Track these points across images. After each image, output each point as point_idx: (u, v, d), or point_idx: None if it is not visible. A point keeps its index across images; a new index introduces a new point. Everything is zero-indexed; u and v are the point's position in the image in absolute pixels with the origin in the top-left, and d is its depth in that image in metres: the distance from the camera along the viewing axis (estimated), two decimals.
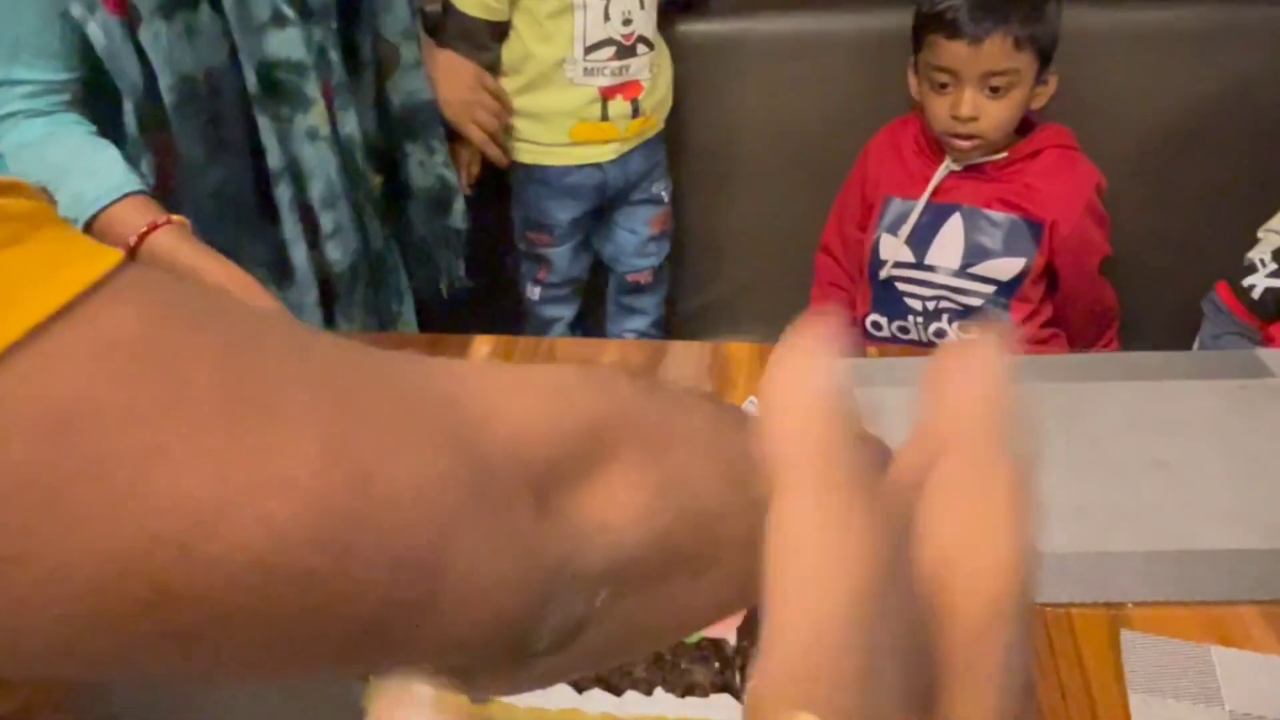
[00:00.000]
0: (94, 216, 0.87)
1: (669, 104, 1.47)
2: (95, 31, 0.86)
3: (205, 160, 0.95)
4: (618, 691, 0.59)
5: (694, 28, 1.49)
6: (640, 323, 1.60)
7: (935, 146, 1.30)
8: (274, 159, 0.98)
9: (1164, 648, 0.63)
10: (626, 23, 1.33)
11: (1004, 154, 1.27)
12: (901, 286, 1.33)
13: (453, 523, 0.23)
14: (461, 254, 1.25)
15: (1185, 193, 1.48)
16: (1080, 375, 0.90)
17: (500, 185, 1.45)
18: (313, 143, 0.99)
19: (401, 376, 0.25)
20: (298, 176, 1.00)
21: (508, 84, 1.38)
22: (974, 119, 1.22)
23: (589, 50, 1.33)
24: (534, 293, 1.54)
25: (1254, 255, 1.28)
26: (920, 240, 1.31)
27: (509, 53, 1.37)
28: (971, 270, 1.29)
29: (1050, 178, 1.27)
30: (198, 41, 0.91)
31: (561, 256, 1.50)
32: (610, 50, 1.34)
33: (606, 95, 1.36)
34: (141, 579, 0.19)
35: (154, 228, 0.86)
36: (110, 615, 0.19)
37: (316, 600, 0.21)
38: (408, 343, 1.08)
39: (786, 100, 1.52)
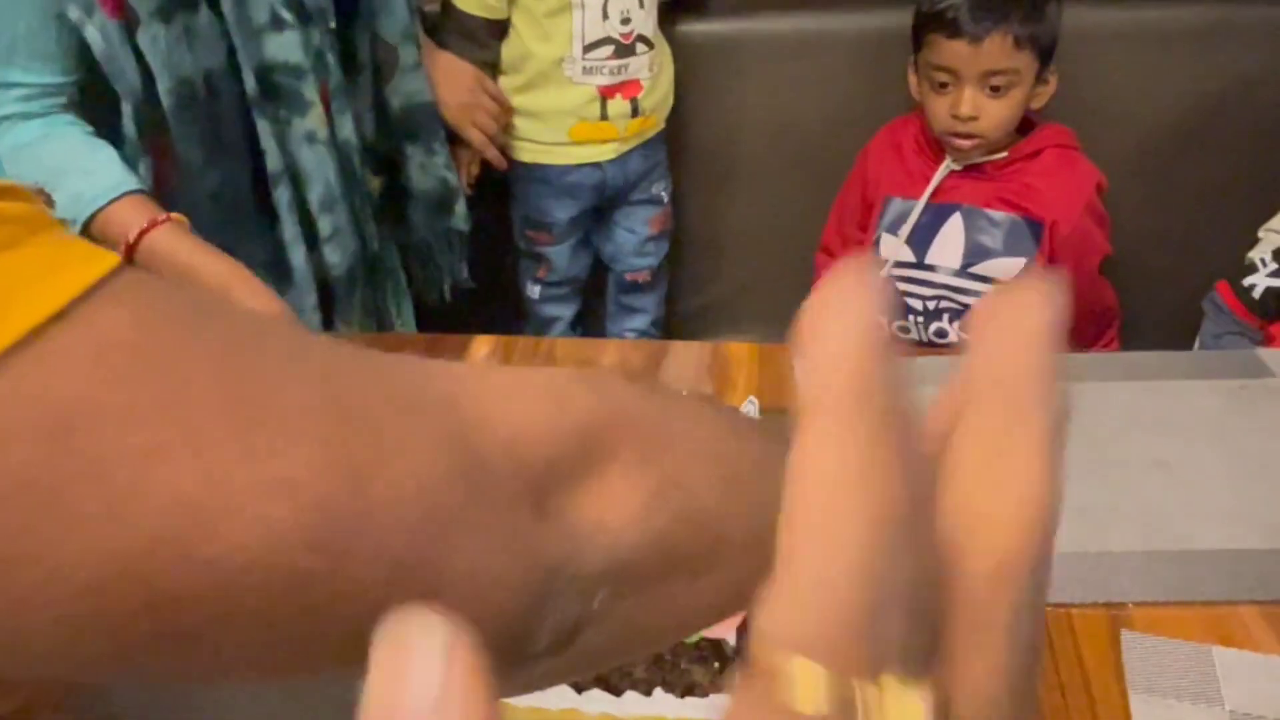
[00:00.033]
0: (92, 216, 0.87)
1: (670, 103, 1.46)
2: (93, 34, 0.86)
3: (204, 163, 0.94)
4: (617, 692, 0.59)
5: (694, 27, 1.49)
6: (640, 322, 1.60)
7: (935, 146, 1.30)
8: (273, 161, 0.98)
9: (1164, 648, 0.63)
10: (625, 21, 1.33)
11: (1004, 153, 1.27)
12: (902, 286, 1.33)
13: (452, 523, 0.23)
14: (464, 255, 1.25)
15: (1185, 192, 1.48)
16: (1080, 375, 0.90)
17: (500, 184, 1.45)
18: (311, 146, 0.99)
19: (400, 378, 0.25)
20: (296, 179, 1.00)
21: (507, 82, 1.38)
22: (974, 118, 1.22)
23: (587, 49, 1.33)
24: (534, 291, 1.54)
25: (1254, 255, 1.28)
26: (920, 240, 1.31)
27: (508, 51, 1.37)
28: (972, 270, 1.29)
29: (1050, 177, 1.27)
30: (196, 44, 0.91)
31: (561, 255, 1.50)
32: (609, 49, 1.34)
33: (605, 94, 1.36)
34: (141, 580, 0.19)
35: (153, 225, 0.86)
36: (110, 615, 0.19)
37: (316, 600, 0.21)
38: (406, 343, 1.08)
39: (787, 100, 1.52)
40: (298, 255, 1.01)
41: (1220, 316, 1.29)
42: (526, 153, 1.41)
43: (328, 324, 1.06)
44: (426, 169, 1.16)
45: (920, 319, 1.33)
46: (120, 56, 0.87)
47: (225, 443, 0.20)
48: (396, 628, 0.14)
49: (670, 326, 1.64)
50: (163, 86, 0.89)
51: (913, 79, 1.30)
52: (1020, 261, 1.27)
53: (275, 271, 1.02)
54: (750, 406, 0.81)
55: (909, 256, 1.32)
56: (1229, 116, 1.44)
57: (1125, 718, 0.59)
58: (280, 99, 0.97)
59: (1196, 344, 1.31)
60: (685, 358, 0.94)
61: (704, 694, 0.59)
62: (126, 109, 0.90)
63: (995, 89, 1.21)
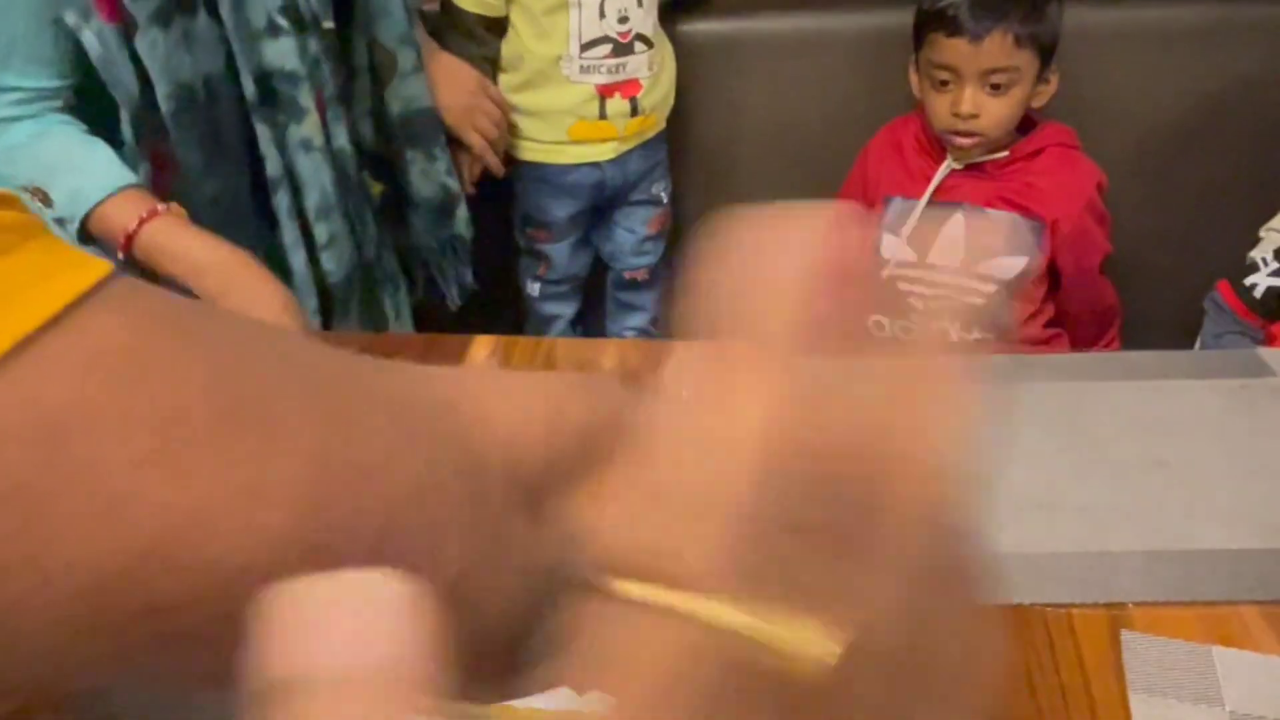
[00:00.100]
0: (90, 211, 0.87)
1: (671, 103, 1.46)
2: (90, 39, 0.85)
3: (203, 168, 0.94)
4: None
5: (695, 26, 1.49)
6: (640, 320, 1.60)
7: (936, 145, 1.30)
8: (272, 166, 0.98)
9: (1164, 648, 0.63)
10: (623, 20, 1.33)
11: (1005, 152, 1.27)
12: (903, 286, 1.33)
13: (448, 526, 0.23)
14: (468, 261, 1.24)
15: (1186, 191, 1.48)
16: (1080, 375, 0.90)
17: (500, 183, 1.45)
18: (307, 153, 0.99)
19: (395, 382, 0.25)
20: (295, 185, 1.00)
21: (506, 81, 1.38)
22: (974, 116, 1.22)
23: (585, 48, 1.33)
24: (534, 289, 1.54)
25: (1255, 254, 1.28)
26: (922, 239, 1.31)
27: (507, 49, 1.37)
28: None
29: (1051, 176, 1.27)
30: (195, 49, 0.90)
31: (560, 253, 1.50)
32: (606, 48, 1.34)
33: (604, 93, 1.36)
34: (135, 584, 0.19)
35: (152, 215, 0.86)
36: (105, 619, 0.19)
37: None
38: (405, 343, 1.08)
39: (787, 99, 1.52)
40: (298, 260, 1.01)
41: (1221, 316, 1.29)
42: (526, 151, 1.41)
43: (326, 327, 1.06)
44: (428, 175, 1.16)
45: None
46: (117, 61, 0.87)
47: (219, 449, 0.20)
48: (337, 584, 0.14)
49: (671, 326, 1.64)
50: (161, 92, 0.89)
51: (914, 77, 1.30)
52: (1022, 260, 1.27)
53: (276, 275, 1.01)
54: None
55: (910, 256, 1.31)
56: (1230, 116, 1.44)
57: (1125, 718, 0.59)
58: (278, 105, 0.96)
59: (1197, 343, 1.31)
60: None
61: None
62: (124, 114, 0.90)
63: (996, 87, 1.21)
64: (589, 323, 1.63)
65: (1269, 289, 1.24)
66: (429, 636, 0.14)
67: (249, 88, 0.94)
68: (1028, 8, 1.19)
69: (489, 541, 0.24)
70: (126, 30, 0.87)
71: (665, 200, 1.52)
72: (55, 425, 0.18)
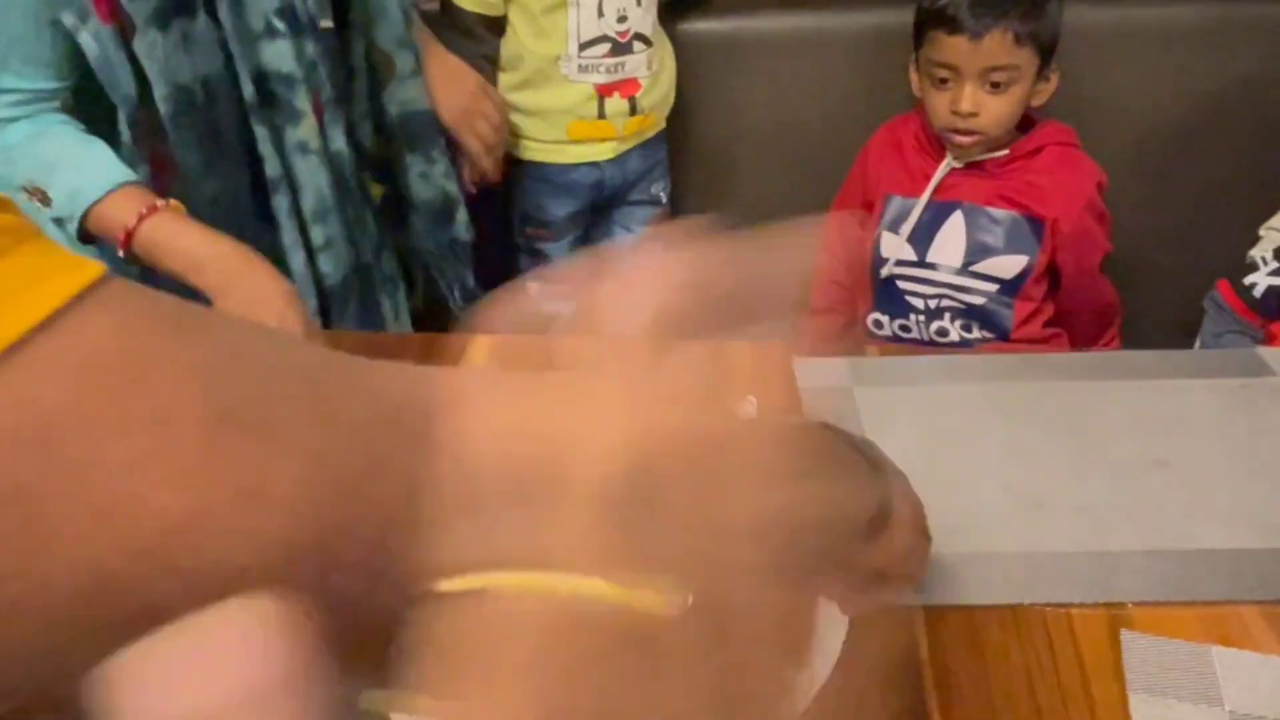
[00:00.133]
0: (89, 209, 0.86)
1: (671, 102, 1.46)
2: (88, 41, 0.85)
3: (202, 169, 0.94)
4: None
5: (694, 25, 1.48)
6: None
7: (936, 144, 1.30)
8: (271, 168, 0.97)
9: (1164, 647, 0.63)
10: (621, 19, 1.33)
11: (1005, 151, 1.27)
12: (903, 285, 1.33)
13: (434, 534, 0.23)
14: (469, 264, 1.23)
15: (1186, 190, 1.48)
16: (1080, 374, 0.90)
17: (500, 183, 1.45)
18: (304, 156, 0.98)
19: (384, 387, 0.25)
20: (293, 186, 0.99)
21: (505, 80, 1.38)
22: (974, 114, 1.21)
23: (583, 47, 1.33)
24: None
25: (1255, 253, 1.27)
26: (922, 238, 1.30)
27: (506, 48, 1.37)
28: (974, 268, 1.29)
29: (1052, 175, 1.26)
30: (194, 50, 0.90)
31: (559, 252, 1.49)
32: (605, 47, 1.33)
33: (603, 93, 1.36)
34: (126, 590, 0.19)
35: (151, 211, 0.86)
36: (102, 622, 0.19)
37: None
38: (405, 343, 1.08)
39: (787, 98, 1.52)
40: (297, 260, 1.00)
41: (1221, 315, 1.28)
42: (526, 151, 1.41)
43: (326, 326, 1.06)
44: (426, 178, 1.15)
45: (922, 318, 1.33)
46: (115, 63, 0.87)
47: (210, 455, 0.20)
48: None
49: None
50: (160, 93, 0.89)
51: (914, 76, 1.30)
52: (1023, 259, 1.27)
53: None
54: (749, 406, 0.80)
55: (910, 255, 1.31)
56: (1230, 114, 1.44)
57: (1125, 718, 0.59)
58: (276, 107, 0.96)
59: (1198, 343, 1.31)
60: (685, 356, 0.94)
61: None
62: (122, 115, 0.89)
63: (995, 85, 1.21)
64: None
65: (1269, 288, 1.24)
66: (286, 656, 0.15)
67: (248, 89, 0.94)
68: (1028, 6, 1.19)
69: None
70: (124, 31, 0.86)
71: (664, 200, 1.52)
72: (51, 427, 0.18)
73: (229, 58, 0.92)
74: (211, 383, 0.20)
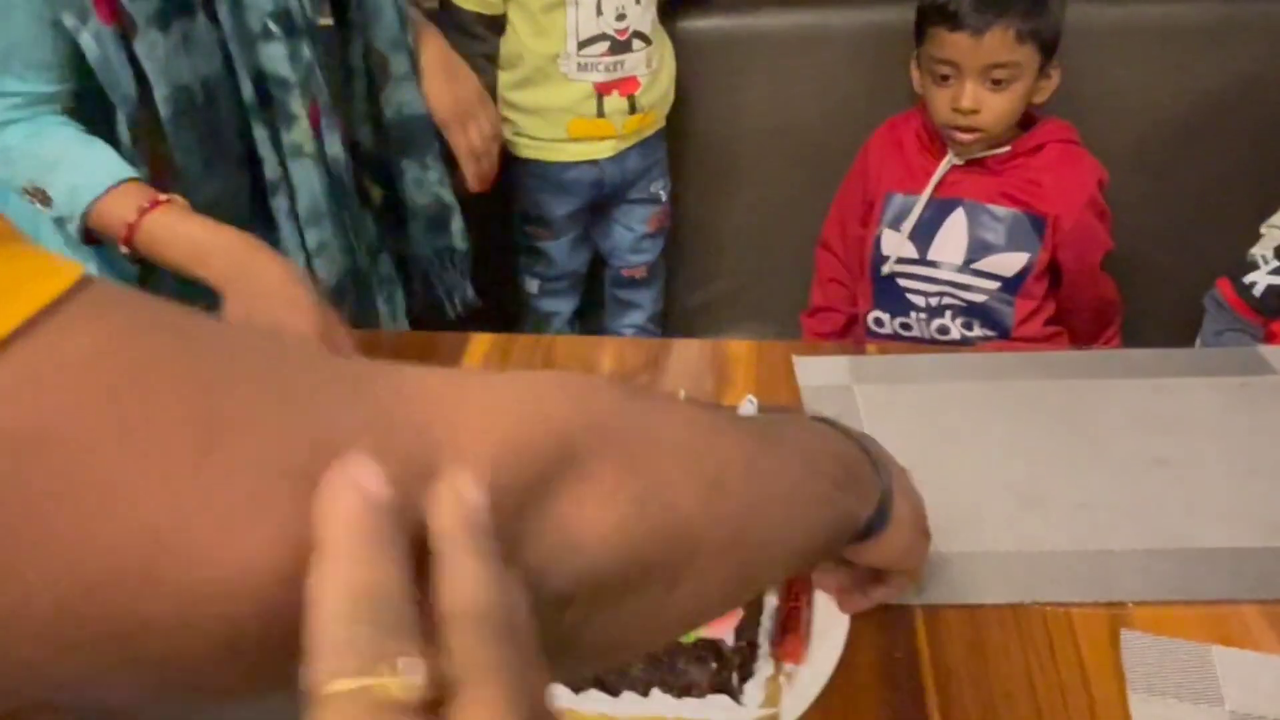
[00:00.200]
0: (89, 207, 0.86)
1: (670, 100, 1.46)
2: (88, 42, 0.84)
3: (202, 171, 0.93)
4: (614, 692, 0.58)
5: (695, 23, 1.48)
6: (638, 317, 1.60)
7: (937, 141, 1.29)
8: (270, 169, 0.97)
9: (1164, 647, 0.63)
10: (620, 18, 1.32)
11: (1006, 148, 1.26)
12: (904, 283, 1.33)
13: (419, 558, 0.23)
14: (467, 274, 1.22)
15: (1187, 188, 1.48)
16: (1081, 372, 0.89)
17: (498, 181, 1.45)
18: (298, 159, 0.98)
19: (375, 399, 0.24)
20: (291, 188, 0.99)
21: (505, 78, 1.38)
22: (975, 111, 1.21)
23: (582, 45, 1.33)
24: (532, 286, 1.54)
25: (1256, 251, 1.27)
26: (923, 235, 1.30)
27: (505, 47, 1.36)
28: (975, 266, 1.29)
29: (1053, 172, 1.26)
30: (194, 51, 0.89)
31: (559, 250, 1.49)
32: (604, 45, 1.33)
33: (602, 91, 1.36)
34: (109, 605, 0.18)
35: (153, 205, 0.85)
36: (80, 638, 0.19)
37: (286, 630, 0.20)
38: (405, 341, 1.08)
39: (788, 96, 1.51)
40: (298, 262, 1.00)
41: (1221, 313, 1.28)
42: (525, 149, 1.41)
43: None
44: (421, 184, 1.14)
45: (923, 315, 1.33)
46: (115, 64, 0.86)
47: (191, 470, 0.19)
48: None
49: (670, 323, 1.64)
50: (160, 94, 0.88)
51: (915, 72, 1.29)
52: (1023, 256, 1.27)
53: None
54: (749, 405, 0.80)
55: (911, 252, 1.31)
56: (1231, 113, 1.43)
57: (1125, 717, 0.59)
58: (273, 109, 0.96)
59: (1198, 341, 1.31)
60: (685, 355, 0.94)
61: (701, 694, 0.59)
62: (121, 117, 0.89)
63: (997, 82, 1.20)
64: (587, 320, 1.63)
65: (1269, 287, 1.24)
66: None
67: (247, 90, 0.93)
68: (1029, 3, 1.19)
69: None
70: (125, 32, 0.86)
71: (664, 198, 1.52)
72: (27, 441, 0.18)
73: (228, 59, 0.92)
74: (193, 395, 0.20)
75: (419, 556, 0.22)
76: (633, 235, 1.52)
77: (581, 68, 1.34)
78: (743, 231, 1.62)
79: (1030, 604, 0.66)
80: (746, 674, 0.60)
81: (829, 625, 0.61)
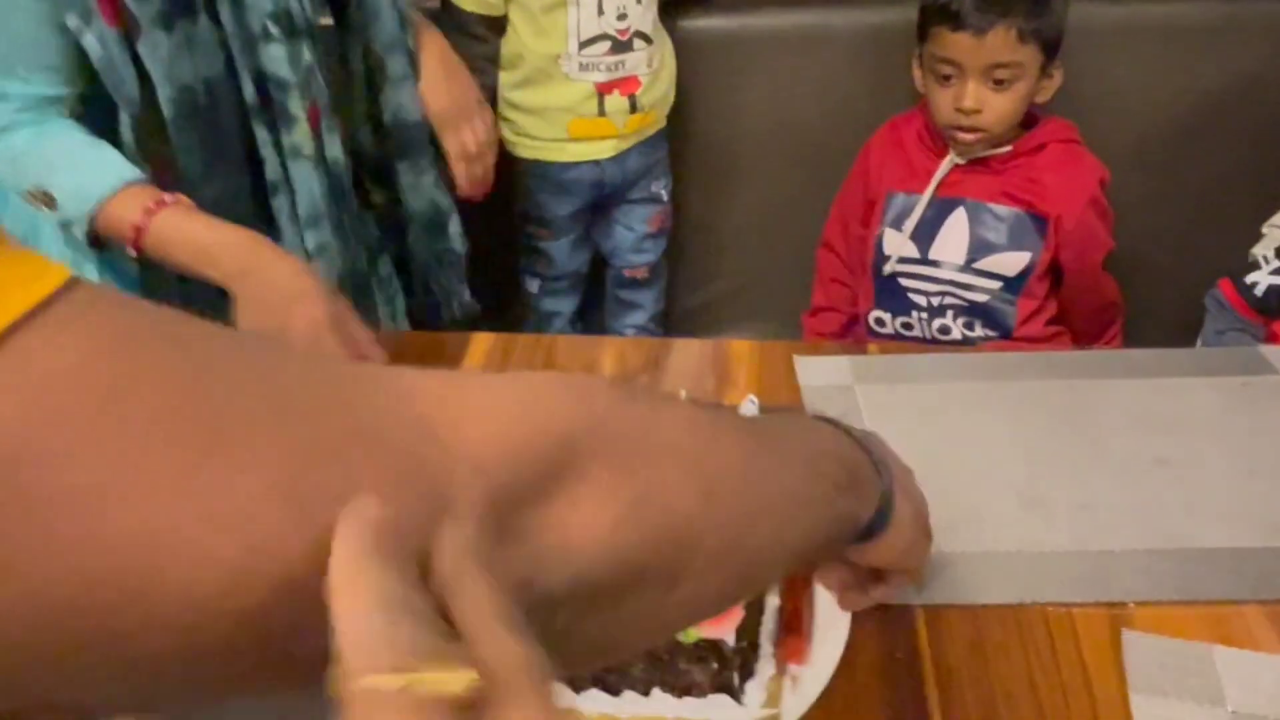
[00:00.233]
0: (96, 209, 0.86)
1: (671, 100, 1.46)
2: (91, 43, 0.84)
3: (204, 172, 0.93)
4: (615, 691, 0.58)
5: (696, 23, 1.48)
6: (639, 317, 1.60)
7: (939, 141, 1.29)
8: (271, 170, 0.97)
9: (1166, 647, 0.63)
10: (621, 17, 1.32)
11: (1008, 147, 1.26)
12: (905, 282, 1.33)
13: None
14: (464, 277, 1.21)
15: (1188, 188, 1.48)
16: (1082, 372, 0.89)
17: (499, 181, 1.45)
18: (297, 160, 0.98)
19: (361, 402, 0.24)
20: (291, 189, 0.99)
21: (506, 79, 1.38)
22: (977, 111, 1.21)
23: (583, 45, 1.33)
24: (533, 286, 1.54)
25: (1257, 251, 1.27)
26: (924, 235, 1.30)
27: (506, 48, 1.36)
28: (977, 265, 1.29)
29: (1055, 172, 1.26)
30: (196, 52, 0.89)
31: (560, 250, 1.49)
32: (605, 45, 1.33)
33: (602, 90, 1.36)
34: (91, 617, 0.18)
35: (159, 206, 0.85)
36: (56, 650, 0.18)
37: (271, 634, 0.20)
38: (406, 340, 1.08)
39: (789, 95, 1.51)
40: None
41: (1222, 313, 1.28)
42: (526, 149, 1.41)
43: None
44: (417, 189, 1.13)
45: (924, 315, 1.33)
46: (119, 65, 0.86)
47: (172, 479, 0.19)
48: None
49: (672, 323, 1.64)
50: (164, 95, 0.88)
51: (917, 72, 1.29)
52: (1025, 256, 1.27)
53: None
54: (750, 405, 0.80)
55: (913, 252, 1.31)
56: (1232, 113, 1.43)
57: (1126, 718, 0.59)
58: (274, 110, 0.96)
59: (1199, 341, 1.31)
60: (686, 355, 0.94)
61: (702, 694, 0.59)
62: (124, 118, 0.89)
63: (999, 82, 1.20)
64: (589, 320, 1.63)
65: (1270, 287, 1.23)
66: None
67: (249, 91, 0.93)
68: (1031, 3, 1.18)
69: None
70: (128, 33, 0.86)
71: (665, 198, 1.52)
72: (4, 452, 0.17)
73: (229, 59, 0.92)
74: (173, 402, 0.20)
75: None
76: (634, 235, 1.52)
77: (583, 68, 1.34)
78: (744, 231, 1.61)
79: (1031, 604, 0.66)
80: (747, 674, 0.60)
81: (830, 625, 0.61)
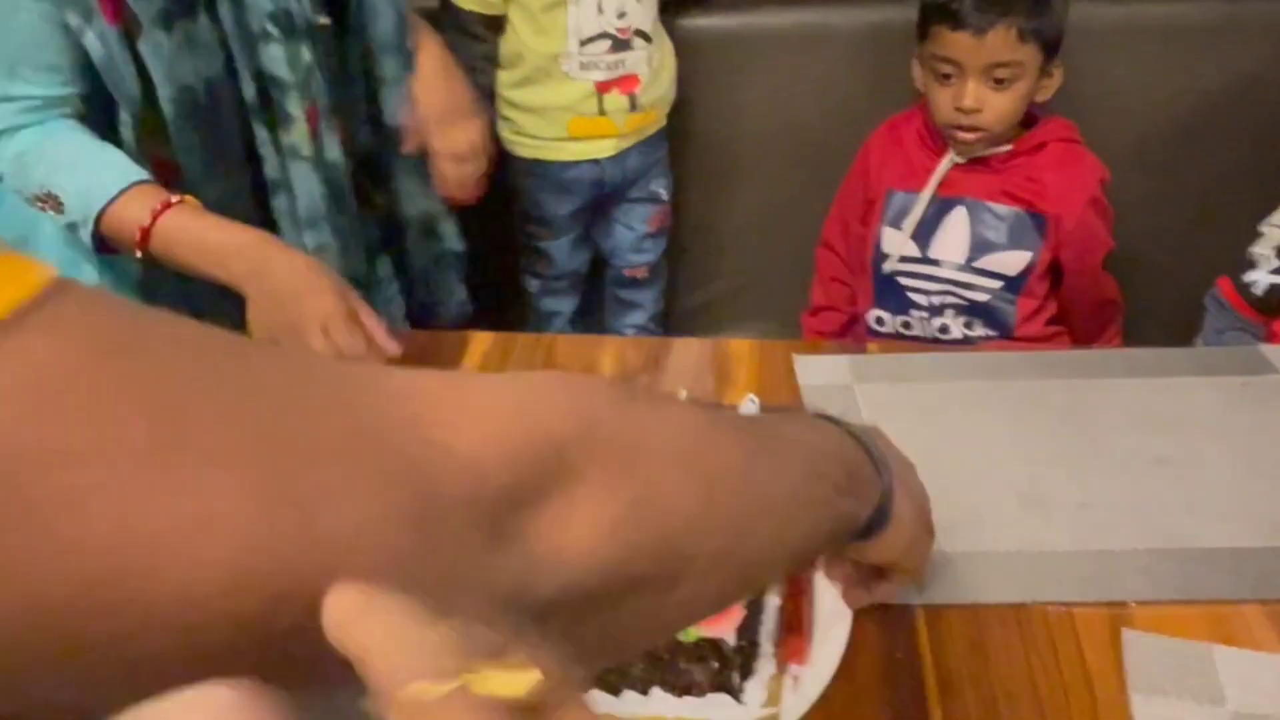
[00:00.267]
0: (102, 211, 0.86)
1: (671, 99, 1.46)
2: (93, 42, 0.84)
3: (205, 172, 0.93)
4: (615, 691, 0.58)
5: (695, 22, 1.48)
6: (639, 317, 1.60)
7: (938, 139, 1.29)
8: (271, 169, 0.97)
9: (1166, 647, 0.63)
10: (621, 16, 1.32)
11: (1008, 146, 1.26)
12: (905, 281, 1.32)
13: (396, 563, 0.22)
14: (460, 277, 1.20)
15: (1188, 187, 1.48)
16: (1082, 371, 0.89)
17: (499, 180, 1.45)
18: (296, 161, 0.98)
19: (357, 402, 0.24)
20: (291, 189, 0.99)
21: (505, 78, 1.38)
22: (977, 110, 1.21)
23: (584, 44, 1.33)
24: (533, 285, 1.54)
25: (1256, 250, 1.27)
26: (924, 234, 1.30)
27: (505, 47, 1.36)
28: (977, 264, 1.28)
29: (1054, 171, 1.26)
30: (197, 52, 0.89)
31: (560, 250, 1.49)
32: (605, 44, 1.33)
33: (602, 89, 1.35)
34: (73, 621, 0.18)
35: (166, 207, 0.85)
36: (46, 655, 0.18)
37: (257, 640, 0.20)
38: (405, 339, 1.08)
39: (788, 94, 1.51)
40: None
41: (1222, 312, 1.28)
42: (525, 148, 1.41)
43: None
44: (410, 194, 1.12)
45: (924, 315, 1.33)
46: (119, 64, 0.86)
47: (161, 480, 0.19)
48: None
49: (671, 322, 1.64)
50: (165, 94, 0.88)
51: (917, 71, 1.29)
52: (1026, 255, 1.27)
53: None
54: (751, 404, 0.80)
55: (913, 251, 1.31)
56: (1232, 112, 1.43)
57: (1127, 717, 0.59)
58: (273, 110, 0.96)
59: (1198, 340, 1.31)
60: (686, 354, 0.94)
61: (702, 693, 0.59)
62: (125, 118, 0.89)
63: (999, 81, 1.20)
64: (589, 319, 1.63)
65: (1270, 286, 1.23)
66: None
67: (249, 91, 0.93)
68: (1032, 2, 1.18)
69: (440, 573, 0.23)
70: (129, 33, 0.86)
71: (665, 198, 1.52)
72: (1, 453, 0.17)
73: (229, 59, 0.92)
74: (156, 406, 0.20)
75: None
76: (633, 235, 1.52)
77: (583, 66, 1.34)
78: (743, 231, 1.61)
79: (1032, 604, 0.66)
80: (748, 673, 0.59)
81: (831, 625, 0.61)
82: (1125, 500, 0.75)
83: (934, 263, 1.30)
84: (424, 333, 1.12)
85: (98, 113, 0.90)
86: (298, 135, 0.97)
